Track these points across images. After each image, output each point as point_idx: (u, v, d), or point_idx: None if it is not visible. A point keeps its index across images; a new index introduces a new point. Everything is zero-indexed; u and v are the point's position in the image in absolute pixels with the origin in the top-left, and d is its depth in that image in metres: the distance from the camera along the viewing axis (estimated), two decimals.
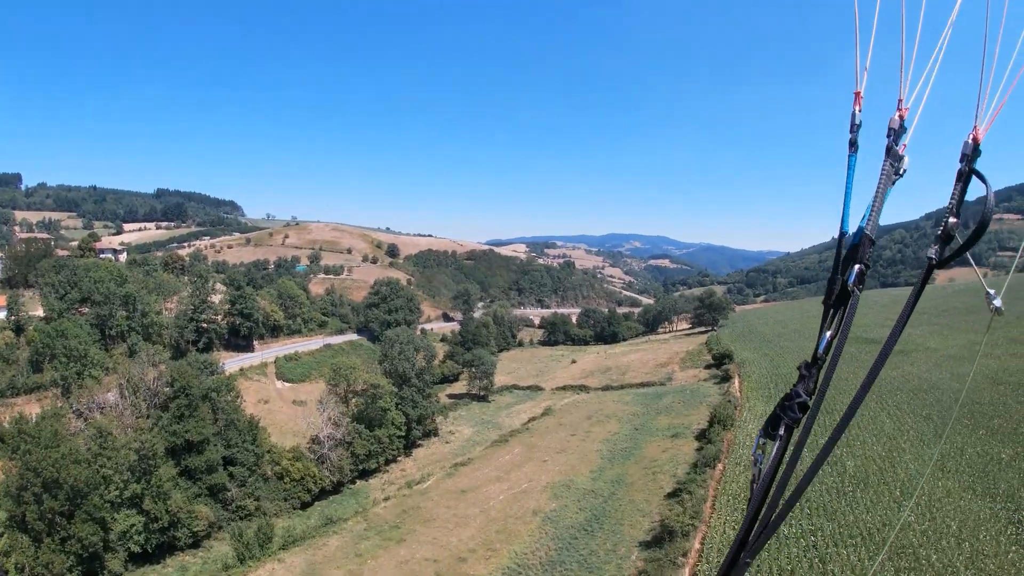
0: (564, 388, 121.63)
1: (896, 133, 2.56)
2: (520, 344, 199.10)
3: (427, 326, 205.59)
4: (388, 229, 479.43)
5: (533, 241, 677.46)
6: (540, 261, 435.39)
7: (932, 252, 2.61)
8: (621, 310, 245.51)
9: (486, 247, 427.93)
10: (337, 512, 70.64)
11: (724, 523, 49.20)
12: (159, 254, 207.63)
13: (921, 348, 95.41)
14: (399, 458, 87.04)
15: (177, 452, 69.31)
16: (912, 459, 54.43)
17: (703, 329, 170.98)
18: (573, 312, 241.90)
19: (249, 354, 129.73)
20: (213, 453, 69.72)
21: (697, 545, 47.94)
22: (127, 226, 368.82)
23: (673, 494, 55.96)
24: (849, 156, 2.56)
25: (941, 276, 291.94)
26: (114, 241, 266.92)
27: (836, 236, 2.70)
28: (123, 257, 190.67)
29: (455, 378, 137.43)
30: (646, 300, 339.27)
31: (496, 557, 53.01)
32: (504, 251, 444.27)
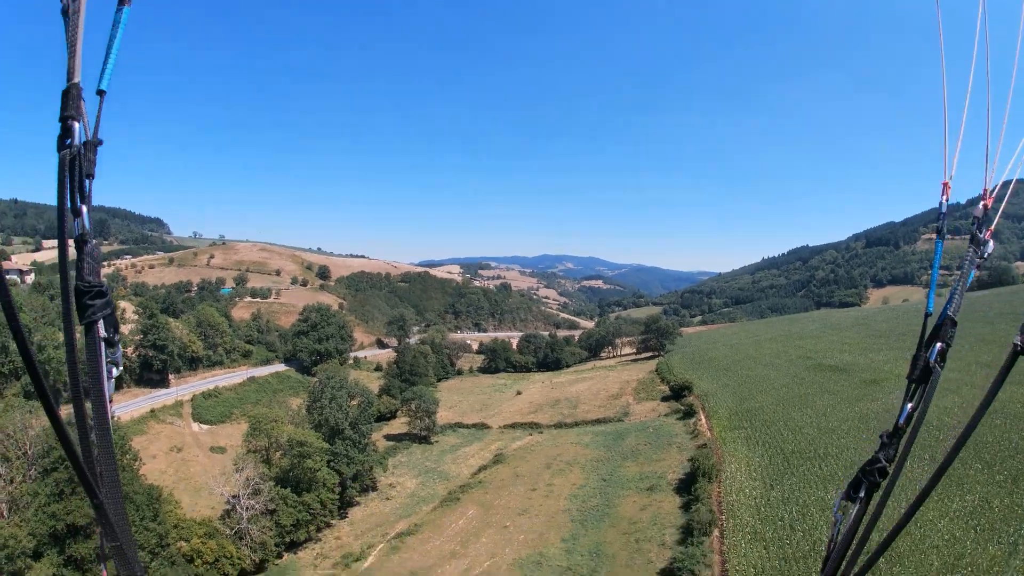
0: (513, 426, 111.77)
1: (979, 222, 2.75)
2: (459, 372, 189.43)
3: (360, 354, 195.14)
4: (319, 250, 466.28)
5: (467, 262, 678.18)
6: (476, 283, 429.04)
7: (1018, 340, 2.58)
8: (561, 333, 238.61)
9: (421, 269, 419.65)
10: None
11: None
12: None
13: (891, 376, 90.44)
14: (333, 522, 75.21)
15: (60, 538, 56.32)
16: (938, 515, 47.04)
17: (650, 355, 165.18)
18: (512, 336, 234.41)
19: (163, 391, 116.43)
20: None
21: None
22: (46, 243, 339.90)
23: (669, 573, 46.94)
24: (936, 242, 2.84)
25: (873, 297, 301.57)
26: (27, 260, 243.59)
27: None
28: (30, 278, 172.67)
29: (392, 415, 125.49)
30: (584, 322, 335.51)
31: None
32: (439, 273, 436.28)
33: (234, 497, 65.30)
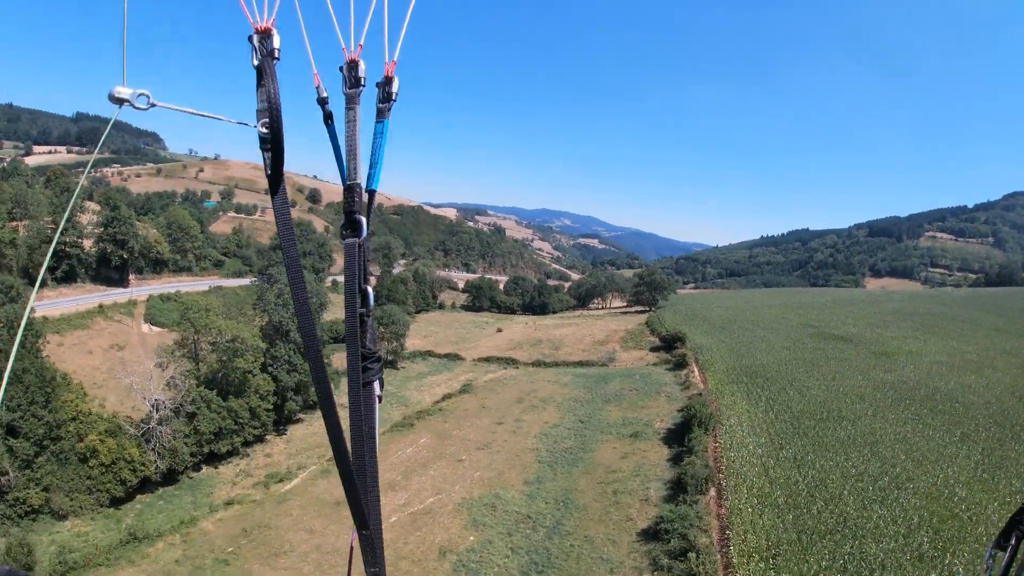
0: (488, 359, 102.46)
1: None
2: (441, 306, 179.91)
3: (340, 278, 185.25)
4: (315, 177, 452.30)
5: (464, 207, 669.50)
6: (469, 224, 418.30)
7: None
8: (552, 282, 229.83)
9: (415, 203, 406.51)
10: (155, 520, 49.16)
11: None
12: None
13: (903, 351, 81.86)
14: (267, 437, 65.90)
15: None
16: (973, 488, 38.23)
17: (640, 309, 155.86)
18: (501, 279, 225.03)
19: (121, 290, 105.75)
20: None
21: None
22: (37, 148, 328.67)
23: (654, 535, 37.58)
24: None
25: (871, 286, 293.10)
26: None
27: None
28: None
29: None
30: (575, 275, 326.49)
31: None
32: (433, 210, 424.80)
33: (147, 396, 55.56)
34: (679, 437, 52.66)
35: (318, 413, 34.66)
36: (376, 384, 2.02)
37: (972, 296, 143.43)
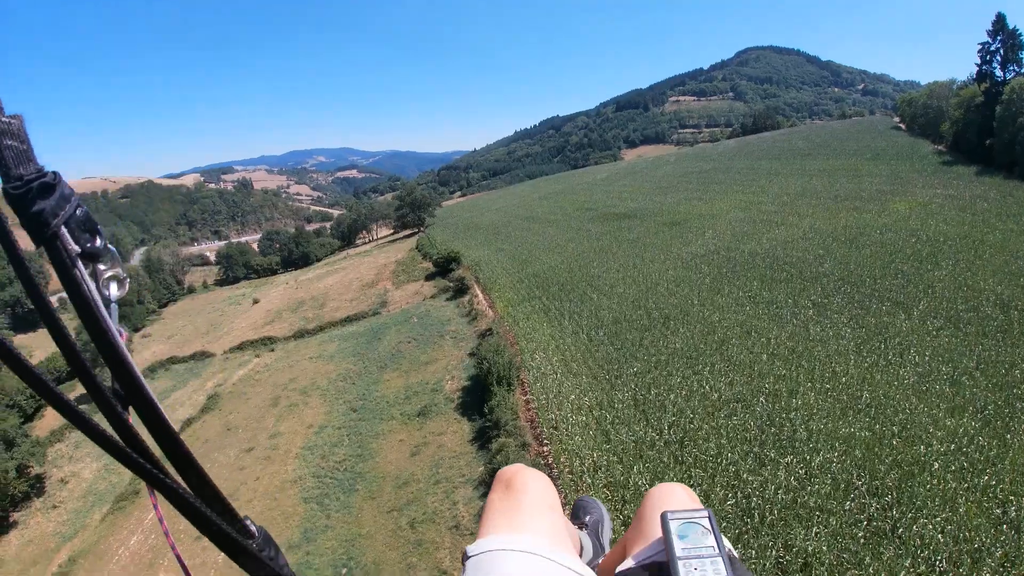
0: (241, 346, 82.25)
1: None
2: (191, 291, 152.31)
3: (62, 294, 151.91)
4: None
5: (209, 169, 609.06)
6: (211, 186, 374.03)
7: None
8: (312, 227, 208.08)
9: (144, 180, 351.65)
10: None
11: None
12: None
13: (693, 216, 75.84)
14: None
15: None
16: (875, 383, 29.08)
17: (409, 233, 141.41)
18: (256, 239, 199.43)
19: None
20: None
21: None
22: None
23: None
24: None
25: (628, 156, 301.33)
26: None
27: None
28: None
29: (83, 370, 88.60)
30: (339, 212, 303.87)
31: None
32: (166, 182, 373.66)
33: None
34: (478, 401, 39.45)
35: (38, 503, 36.12)
36: (65, 233, 1.05)
37: (741, 146, 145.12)
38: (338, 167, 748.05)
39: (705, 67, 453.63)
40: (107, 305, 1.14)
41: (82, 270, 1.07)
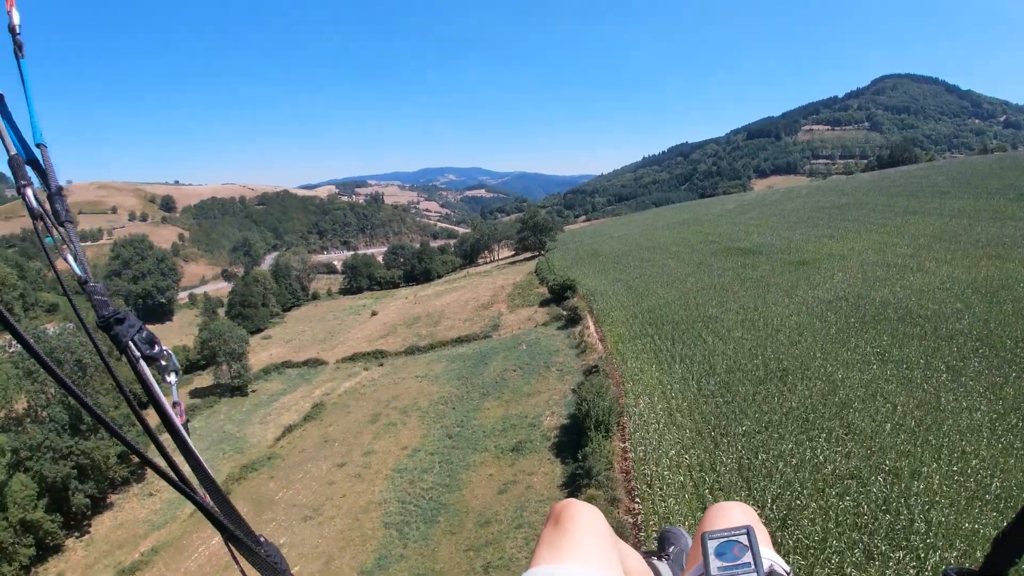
0: (353, 358, 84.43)
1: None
2: (315, 297, 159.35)
3: (203, 289, 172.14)
4: (177, 182, 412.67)
5: (344, 182, 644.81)
6: (344, 199, 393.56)
7: None
8: (437, 243, 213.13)
9: (280, 189, 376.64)
10: None
11: None
12: None
13: (820, 255, 69.57)
14: (70, 543, 46.60)
15: None
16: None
17: (529, 255, 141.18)
18: (383, 251, 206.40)
19: None
20: None
21: None
22: None
23: None
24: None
25: (758, 187, 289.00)
26: None
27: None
28: None
29: (210, 361, 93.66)
30: (464, 230, 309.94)
31: None
32: (301, 192, 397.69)
33: None
34: (575, 442, 37.41)
35: (135, 489, 44.63)
36: (132, 346, 1.63)
37: (877, 180, 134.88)
38: (467, 186, 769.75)
39: (840, 95, 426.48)
40: (161, 384, 1.66)
41: (144, 368, 1.60)
